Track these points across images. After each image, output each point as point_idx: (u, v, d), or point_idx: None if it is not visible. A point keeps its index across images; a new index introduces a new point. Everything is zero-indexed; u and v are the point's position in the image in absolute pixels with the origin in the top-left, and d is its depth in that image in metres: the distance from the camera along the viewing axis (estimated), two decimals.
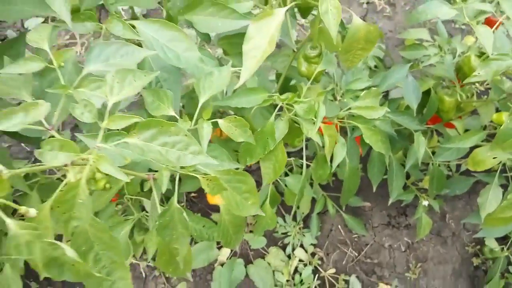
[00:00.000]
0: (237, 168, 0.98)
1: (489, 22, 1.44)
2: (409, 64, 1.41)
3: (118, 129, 0.59)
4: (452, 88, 1.47)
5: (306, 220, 1.86)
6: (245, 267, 1.76)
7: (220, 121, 0.85)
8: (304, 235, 1.84)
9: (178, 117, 0.83)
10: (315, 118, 1.03)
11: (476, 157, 1.25)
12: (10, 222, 0.47)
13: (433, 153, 1.75)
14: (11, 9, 0.91)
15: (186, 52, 0.86)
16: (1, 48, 0.99)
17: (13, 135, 1.06)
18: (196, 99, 1.01)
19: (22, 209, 0.50)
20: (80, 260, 0.51)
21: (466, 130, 1.66)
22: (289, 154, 1.30)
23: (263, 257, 1.79)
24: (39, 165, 0.55)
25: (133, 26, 0.83)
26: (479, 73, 1.05)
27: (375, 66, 1.83)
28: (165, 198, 1.49)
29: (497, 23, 1.46)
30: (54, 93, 0.81)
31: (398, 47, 2.32)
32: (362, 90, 1.32)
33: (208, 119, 0.84)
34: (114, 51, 0.73)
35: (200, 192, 1.90)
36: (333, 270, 1.79)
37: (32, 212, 0.51)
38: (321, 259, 1.82)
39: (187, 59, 0.86)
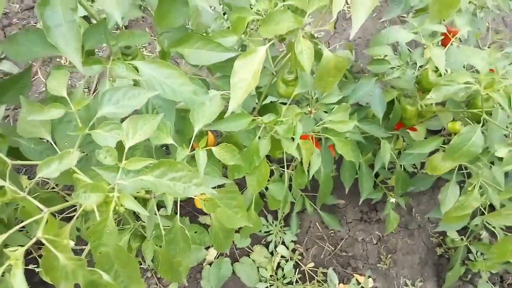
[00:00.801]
0: (222, 185, 1.12)
1: (447, 36, 1.61)
2: (375, 78, 1.57)
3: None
4: (414, 97, 1.64)
5: (287, 219, 2.01)
6: (232, 265, 1.90)
7: (213, 148, 0.98)
8: (285, 233, 1.99)
9: (176, 145, 0.95)
10: (294, 136, 1.17)
11: (433, 162, 1.42)
12: (60, 255, 0.59)
13: (399, 153, 1.93)
14: (20, 50, 1.01)
15: (181, 86, 0.98)
16: (10, 82, 1.08)
17: (14, 154, 1.14)
18: (186, 119, 1.12)
19: (65, 242, 0.62)
20: (112, 282, 0.63)
21: (429, 131, 1.85)
22: (268, 158, 1.43)
23: (248, 255, 1.94)
24: (72, 203, 0.66)
25: (134, 65, 0.95)
26: (431, 97, 1.21)
27: (345, 76, 1.97)
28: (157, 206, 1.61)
29: (454, 36, 1.64)
30: (63, 127, 0.92)
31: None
32: (334, 104, 1.48)
33: (203, 147, 0.97)
34: (123, 94, 0.84)
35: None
36: (312, 264, 1.95)
37: (71, 243, 0.62)
38: (301, 254, 1.98)
39: (182, 93, 0.98)
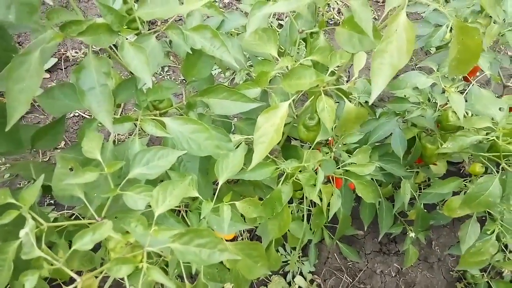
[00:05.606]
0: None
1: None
2: (397, 118, 1.58)
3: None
4: (434, 136, 1.64)
5: (305, 249, 2.03)
6: None
7: (237, 203, 1.01)
8: (303, 263, 2.01)
9: (202, 199, 0.99)
10: (315, 183, 1.19)
11: (451, 204, 1.42)
12: None
13: (420, 187, 1.93)
14: (55, 103, 1.07)
15: (206, 141, 1.01)
16: (45, 129, 1.14)
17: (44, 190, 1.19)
18: (208, 158, 1.15)
19: None
20: None
21: (449, 163, 1.85)
22: None
23: (265, 285, 1.96)
24: (103, 269, 0.70)
25: (162, 121, 0.99)
26: (448, 146, 1.22)
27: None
28: None
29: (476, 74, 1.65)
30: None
31: None
32: (355, 143, 1.50)
33: (227, 201, 1.00)
34: (153, 155, 0.88)
35: None
36: None
37: None
38: (319, 285, 1.99)
39: (206, 147, 1.01)
